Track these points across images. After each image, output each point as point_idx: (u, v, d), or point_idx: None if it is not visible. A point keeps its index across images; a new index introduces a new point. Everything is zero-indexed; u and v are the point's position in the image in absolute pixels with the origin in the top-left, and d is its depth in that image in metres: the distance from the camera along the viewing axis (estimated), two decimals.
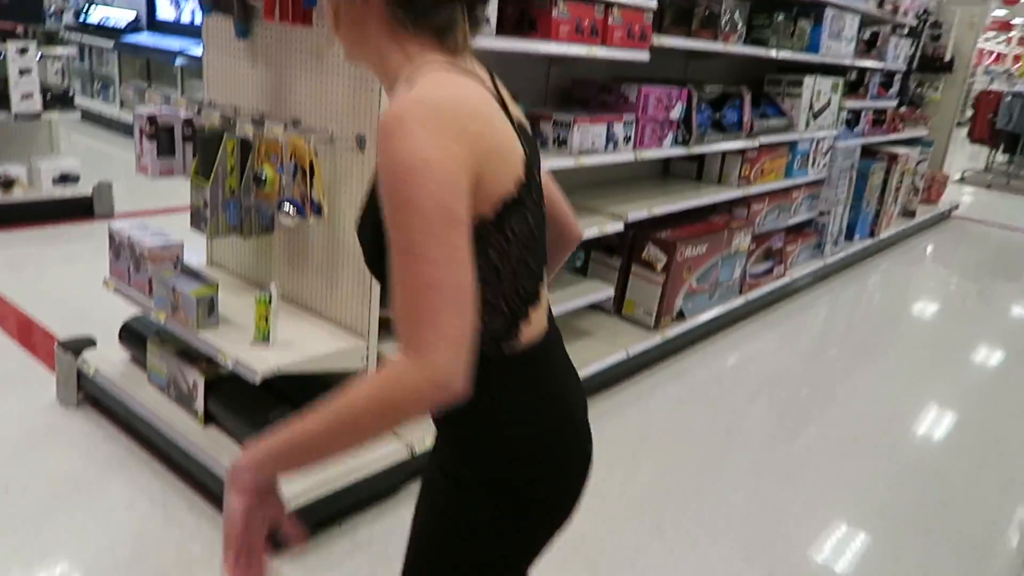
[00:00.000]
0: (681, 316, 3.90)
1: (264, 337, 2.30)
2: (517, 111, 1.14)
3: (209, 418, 2.51)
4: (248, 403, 2.42)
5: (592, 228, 3.21)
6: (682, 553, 2.46)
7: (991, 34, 22.89)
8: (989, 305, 5.59)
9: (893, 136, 6.17)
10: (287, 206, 2.22)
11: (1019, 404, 3.87)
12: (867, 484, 2.98)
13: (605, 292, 3.46)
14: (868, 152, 5.79)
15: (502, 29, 2.63)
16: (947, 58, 7.17)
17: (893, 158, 6.01)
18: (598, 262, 3.83)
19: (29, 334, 3.55)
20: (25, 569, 2.12)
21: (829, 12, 4.41)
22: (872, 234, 6.12)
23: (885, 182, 6.01)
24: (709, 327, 4.17)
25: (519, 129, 1.07)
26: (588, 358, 3.35)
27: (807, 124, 4.61)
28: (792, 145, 4.57)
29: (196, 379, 2.49)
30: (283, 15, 2.26)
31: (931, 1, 6.76)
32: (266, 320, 2.28)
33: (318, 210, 2.28)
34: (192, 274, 2.50)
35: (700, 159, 4.30)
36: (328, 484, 2.31)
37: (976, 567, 2.55)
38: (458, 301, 0.91)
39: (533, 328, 1.11)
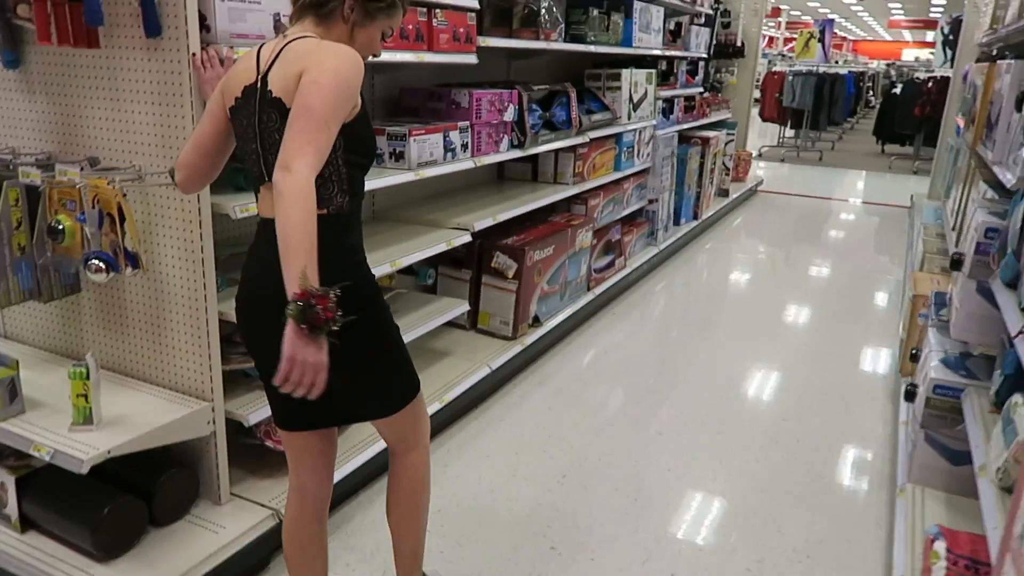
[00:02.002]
0: (537, 321, 3.84)
1: (86, 418, 1.96)
2: (281, 60, 1.55)
3: (27, 523, 2.11)
4: (76, 498, 2.05)
5: (439, 244, 3.07)
6: (579, 569, 2.38)
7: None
8: (796, 267, 6.06)
9: (703, 121, 6.52)
10: (95, 262, 1.89)
11: (837, 353, 4.17)
12: (724, 452, 3.06)
13: (460, 308, 3.33)
14: (683, 138, 6.06)
15: None
16: (738, 43, 7.69)
17: (706, 141, 6.34)
18: (447, 277, 3.69)
19: None
20: None
21: (637, 5, 4.53)
22: (696, 216, 6.42)
23: (701, 165, 6.33)
24: (564, 327, 4.15)
25: (256, 79, 1.58)
26: (451, 379, 3.21)
27: (629, 115, 4.72)
28: (618, 137, 4.66)
29: (4, 479, 2.08)
30: (62, 37, 1.93)
31: None
32: (85, 398, 1.94)
33: (134, 261, 1.97)
34: None
35: (534, 159, 4.27)
36: (203, 565, 2.01)
37: (834, 507, 2.67)
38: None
39: (258, 203, 1.68)
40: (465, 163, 3.14)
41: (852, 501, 2.80)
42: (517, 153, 3.53)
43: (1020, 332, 1.73)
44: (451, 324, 3.73)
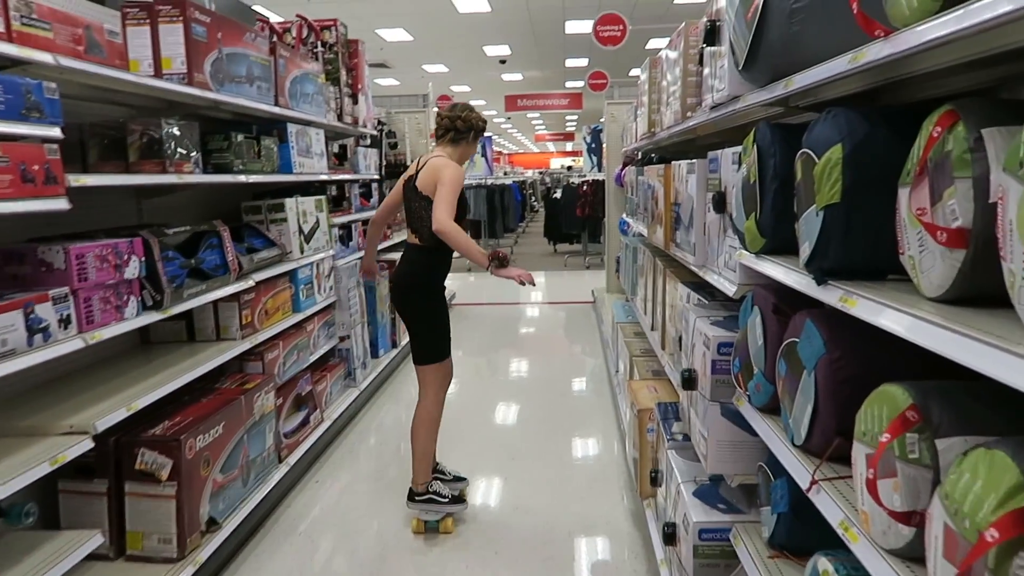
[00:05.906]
0: (214, 523, 2.95)
1: None
2: (425, 169, 3.28)
3: None
4: None
5: (39, 464, 2.13)
6: None
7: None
8: (505, 375, 5.83)
9: (387, 243, 6.13)
10: None
11: (567, 475, 3.85)
12: None
13: (91, 542, 2.36)
14: None
15: None
16: (407, 162, 7.55)
17: (391, 264, 5.92)
18: (73, 494, 2.67)
19: None
20: None
21: (291, 128, 4.01)
22: (394, 344, 5.92)
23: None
24: (254, 519, 3.29)
25: (415, 174, 3.33)
26: None
27: (302, 249, 4.11)
28: (292, 275, 4.01)
29: None
30: None
31: (382, 112, 7.04)
32: None
33: None
34: None
35: (188, 315, 3.44)
36: None
37: None
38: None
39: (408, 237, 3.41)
40: (70, 343, 2.26)
41: None
42: (155, 316, 2.71)
43: (814, 482, 1.38)
44: (90, 557, 2.69)
